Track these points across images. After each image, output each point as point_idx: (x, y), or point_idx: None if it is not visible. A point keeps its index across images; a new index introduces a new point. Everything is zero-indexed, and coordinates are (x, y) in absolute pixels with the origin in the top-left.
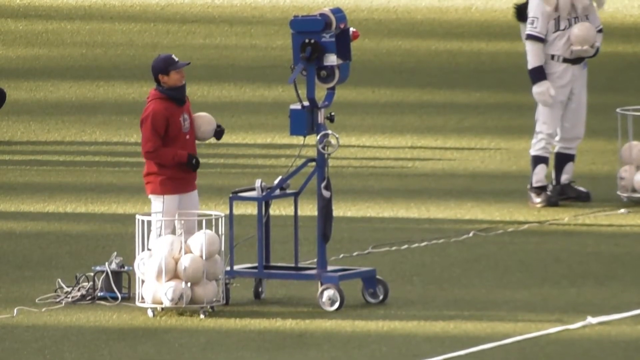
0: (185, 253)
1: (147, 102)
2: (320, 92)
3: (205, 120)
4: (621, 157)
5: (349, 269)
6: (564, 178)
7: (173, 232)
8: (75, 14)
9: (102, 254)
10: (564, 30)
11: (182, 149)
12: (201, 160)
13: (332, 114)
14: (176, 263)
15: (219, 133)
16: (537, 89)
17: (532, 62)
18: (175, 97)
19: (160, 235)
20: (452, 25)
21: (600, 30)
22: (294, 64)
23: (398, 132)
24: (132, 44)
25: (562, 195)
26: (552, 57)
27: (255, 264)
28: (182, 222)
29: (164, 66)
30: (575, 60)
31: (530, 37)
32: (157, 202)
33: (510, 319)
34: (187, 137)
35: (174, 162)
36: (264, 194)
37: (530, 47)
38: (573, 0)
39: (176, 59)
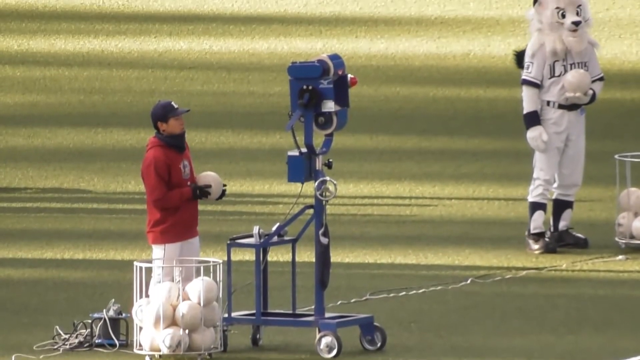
0: (183, 300)
1: (146, 149)
2: (318, 138)
3: (216, 181)
4: (619, 203)
5: (347, 315)
6: (562, 225)
7: (173, 279)
8: (73, 60)
9: (99, 300)
10: (559, 76)
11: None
12: (200, 208)
13: (330, 160)
14: (174, 310)
15: (221, 193)
16: (531, 133)
17: (526, 107)
18: (175, 145)
19: (159, 282)
20: (450, 71)
21: (601, 79)
22: (291, 111)
23: (396, 178)
24: (130, 91)
25: (560, 241)
26: (548, 103)
27: (253, 311)
28: (181, 269)
29: (162, 113)
30: (571, 106)
31: (525, 82)
32: (158, 250)
33: None
34: (188, 183)
35: (182, 201)
36: (261, 240)
37: (525, 92)
38: (568, 45)
39: (176, 106)
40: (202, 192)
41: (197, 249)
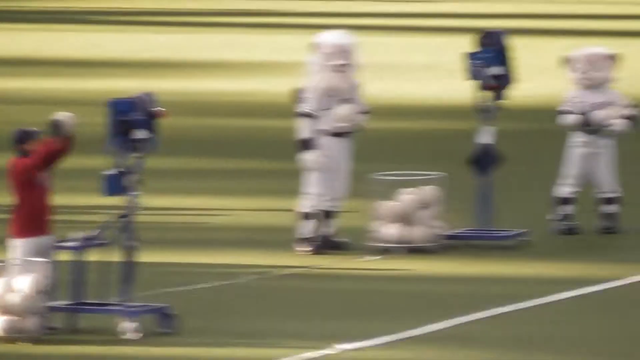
0: (14, 292)
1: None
2: (132, 160)
3: (64, 115)
4: (374, 214)
5: (149, 305)
6: (329, 231)
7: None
8: None
9: None
10: (330, 109)
11: (38, 196)
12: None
13: (141, 178)
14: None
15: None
16: (307, 156)
17: (303, 134)
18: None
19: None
20: (254, 106)
21: (366, 112)
22: (110, 138)
23: (194, 193)
24: None
25: (326, 245)
26: (321, 131)
27: (72, 302)
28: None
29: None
30: (340, 134)
31: (303, 113)
32: (15, 245)
33: (278, 345)
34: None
35: (52, 147)
36: (82, 244)
37: (302, 122)
38: (337, 84)
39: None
40: (55, 126)
41: (51, 249)
